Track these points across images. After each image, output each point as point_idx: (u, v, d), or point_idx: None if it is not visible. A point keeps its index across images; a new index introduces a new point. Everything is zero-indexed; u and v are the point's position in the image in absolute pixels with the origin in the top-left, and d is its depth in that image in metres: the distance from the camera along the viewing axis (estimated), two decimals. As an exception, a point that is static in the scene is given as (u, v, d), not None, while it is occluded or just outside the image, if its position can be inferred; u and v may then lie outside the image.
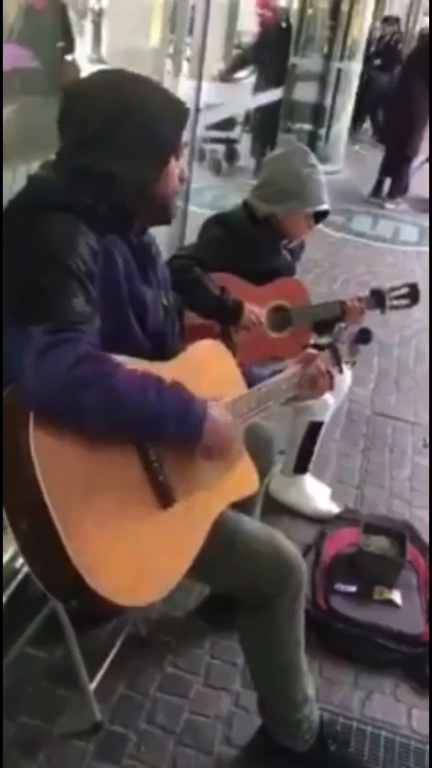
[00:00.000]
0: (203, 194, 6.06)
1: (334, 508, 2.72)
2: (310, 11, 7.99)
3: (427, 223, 6.59)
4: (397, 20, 10.77)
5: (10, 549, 1.92)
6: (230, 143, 7.70)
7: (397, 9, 14.53)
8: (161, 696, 1.94)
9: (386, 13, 12.31)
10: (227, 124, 7.19)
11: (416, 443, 3.34)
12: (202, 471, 1.46)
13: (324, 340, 1.94)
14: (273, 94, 6.74)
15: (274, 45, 7.38)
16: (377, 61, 9.55)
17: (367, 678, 2.09)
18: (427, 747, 1.90)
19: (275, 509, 2.59)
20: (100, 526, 1.22)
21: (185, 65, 3.44)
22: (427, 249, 5.93)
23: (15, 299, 1.25)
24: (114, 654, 1.92)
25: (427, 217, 6.69)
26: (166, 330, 1.54)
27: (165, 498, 1.35)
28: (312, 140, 7.75)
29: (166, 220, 1.52)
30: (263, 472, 1.79)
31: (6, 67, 2.46)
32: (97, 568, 1.18)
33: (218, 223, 2.39)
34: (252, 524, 1.64)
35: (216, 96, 5.03)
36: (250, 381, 1.64)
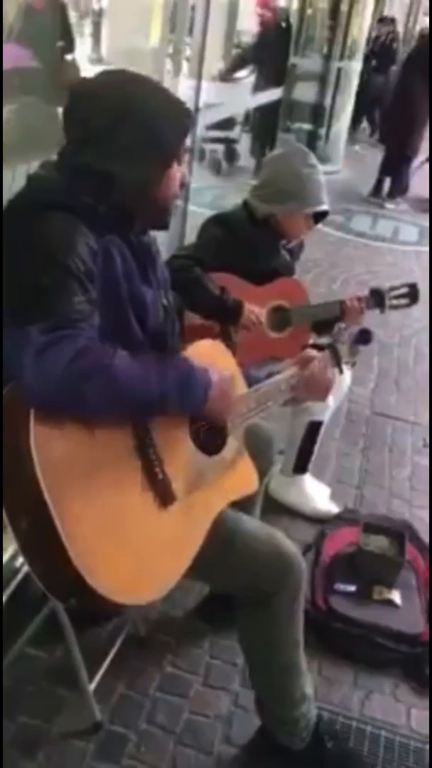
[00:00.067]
0: (203, 194, 6.06)
1: (333, 508, 2.72)
2: (309, 11, 7.99)
3: (426, 223, 6.59)
4: (392, 20, 10.77)
5: (10, 548, 1.92)
6: (230, 143, 7.70)
7: (396, 9, 14.54)
8: (161, 696, 1.94)
9: (386, 12, 12.32)
10: (227, 123, 7.20)
11: (416, 443, 3.34)
12: (202, 470, 1.46)
13: (324, 340, 1.94)
14: (273, 94, 6.74)
15: (273, 45, 7.38)
16: (373, 62, 9.55)
17: (366, 678, 2.09)
18: (427, 747, 1.91)
19: (275, 509, 2.60)
20: (100, 525, 1.22)
21: (185, 65, 3.44)
22: (426, 249, 5.93)
23: (14, 299, 1.25)
24: (114, 654, 1.92)
25: (426, 216, 6.69)
26: (166, 330, 1.54)
27: (165, 497, 1.35)
28: (312, 140, 7.75)
29: (164, 225, 1.52)
30: (263, 472, 1.80)
31: (6, 66, 2.46)
32: (96, 567, 1.18)
33: (218, 223, 2.39)
34: (251, 523, 1.64)
35: (216, 96, 5.03)
36: (247, 383, 1.64)
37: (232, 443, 1.56)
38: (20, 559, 1.94)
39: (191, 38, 3.35)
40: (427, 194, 6.90)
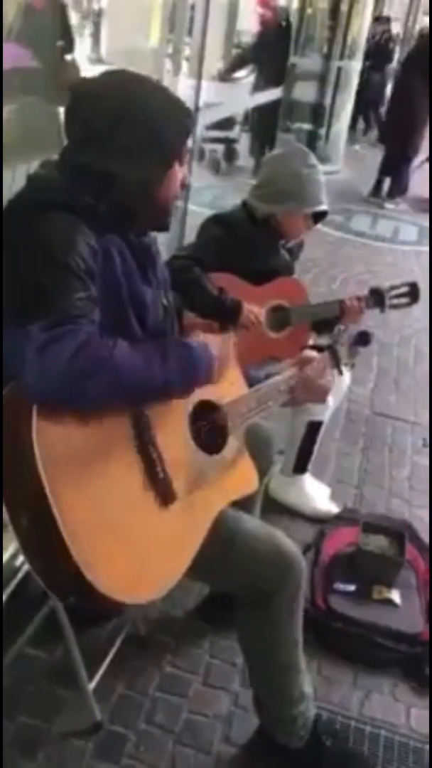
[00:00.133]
0: (202, 194, 6.07)
1: (333, 508, 2.72)
2: (309, 11, 7.99)
3: (426, 223, 6.59)
4: (387, 19, 10.80)
5: (10, 547, 1.92)
6: (229, 143, 7.70)
7: (396, 8, 14.55)
8: (160, 695, 1.94)
9: (386, 12, 12.34)
10: (226, 123, 7.20)
11: (416, 443, 3.34)
12: (202, 469, 1.47)
13: (323, 341, 1.94)
14: (272, 94, 6.74)
15: (273, 44, 7.38)
16: (368, 62, 9.57)
17: (365, 677, 2.09)
18: (427, 746, 1.91)
19: (275, 509, 2.60)
20: (101, 523, 1.23)
21: (184, 64, 3.44)
22: (426, 249, 5.93)
23: (15, 298, 1.25)
24: (113, 654, 1.92)
25: (426, 216, 6.69)
26: (165, 329, 1.54)
27: (166, 496, 1.35)
28: (311, 140, 7.75)
29: (164, 226, 1.52)
30: (263, 472, 1.80)
31: (5, 66, 2.46)
32: (97, 565, 1.19)
33: (217, 223, 2.39)
34: (251, 522, 1.65)
35: (215, 95, 5.03)
36: (247, 383, 1.65)
37: (233, 443, 1.56)
38: (20, 559, 1.94)
39: (191, 38, 3.35)
40: (426, 194, 6.90)
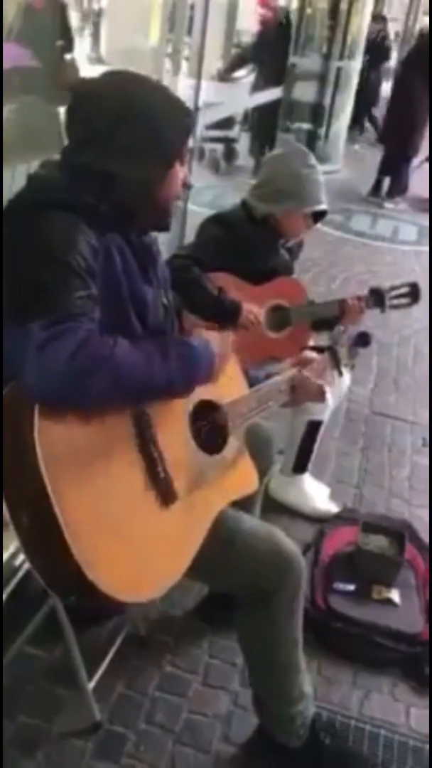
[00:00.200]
0: (202, 193, 6.07)
1: (333, 508, 2.72)
2: (309, 10, 7.98)
3: (426, 223, 6.59)
4: (383, 18, 10.82)
5: (11, 546, 1.92)
6: (229, 142, 7.70)
7: (396, 8, 14.55)
8: (160, 695, 1.94)
9: (386, 12, 12.35)
10: (226, 123, 7.20)
11: (415, 442, 3.34)
12: (203, 469, 1.47)
13: (323, 341, 1.95)
14: (272, 94, 6.74)
15: (273, 44, 7.38)
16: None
17: (365, 677, 2.09)
18: (426, 746, 1.91)
19: (274, 509, 2.60)
20: (102, 522, 1.23)
21: (184, 64, 3.44)
22: (426, 248, 5.93)
23: (15, 297, 1.25)
24: (113, 653, 1.93)
25: (426, 216, 6.69)
26: (166, 329, 1.54)
27: (166, 495, 1.35)
28: (311, 139, 7.75)
29: (165, 226, 1.52)
30: (263, 472, 1.80)
31: (5, 66, 2.46)
32: (97, 563, 1.19)
33: (216, 222, 2.39)
34: (251, 522, 1.65)
35: (215, 95, 5.03)
36: (247, 383, 1.65)
37: (233, 443, 1.56)
38: (20, 558, 1.94)
39: (190, 38, 3.35)
40: (426, 194, 6.90)
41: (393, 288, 2.52)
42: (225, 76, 8.07)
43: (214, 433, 1.55)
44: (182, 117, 1.43)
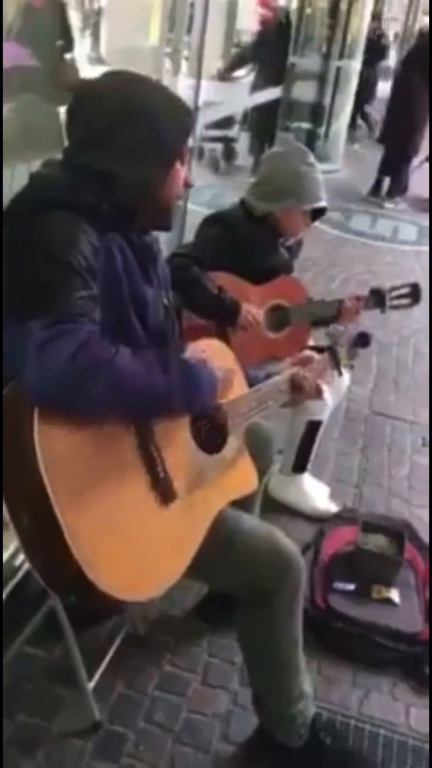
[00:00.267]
0: (201, 193, 6.06)
1: (332, 507, 2.72)
2: (309, 10, 7.98)
3: (426, 223, 6.59)
4: (379, 17, 10.84)
5: (10, 546, 1.92)
6: (228, 142, 7.70)
7: (396, 8, 14.55)
8: (160, 695, 1.94)
9: (386, 11, 12.37)
10: (225, 122, 7.20)
11: (415, 442, 3.35)
12: (202, 469, 1.47)
13: (323, 342, 1.95)
14: (272, 93, 6.74)
15: (273, 44, 7.38)
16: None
17: (365, 676, 2.09)
18: (426, 746, 1.91)
19: (274, 508, 2.60)
20: (102, 521, 1.23)
21: (184, 64, 3.44)
22: (425, 248, 5.93)
23: (16, 296, 1.24)
24: (113, 653, 1.93)
25: (426, 216, 6.70)
26: (166, 329, 1.54)
27: (166, 495, 1.35)
28: (311, 139, 7.75)
29: (166, 226, 1.52)
30: (262, 471, 1.80)
31: (5, 65, 2.46)
32: (97, 563, 1.19)
33: (215, 222, 2.39)
34: (251, 521, 1.65)
35: (215, 95, 5.03)
36: (247, 383, 1.65)
37: (233, 442, 1.56)
38: (19, 558, 1.94)
39: (190, 37, 3.35)
40: (426, 194, 6.91)
41: (394, 288, 2.52)
42: (225, 75, 8.06)
43: (214, 433, 1.54)
44: (182, 116, 1.43)
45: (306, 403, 2.30)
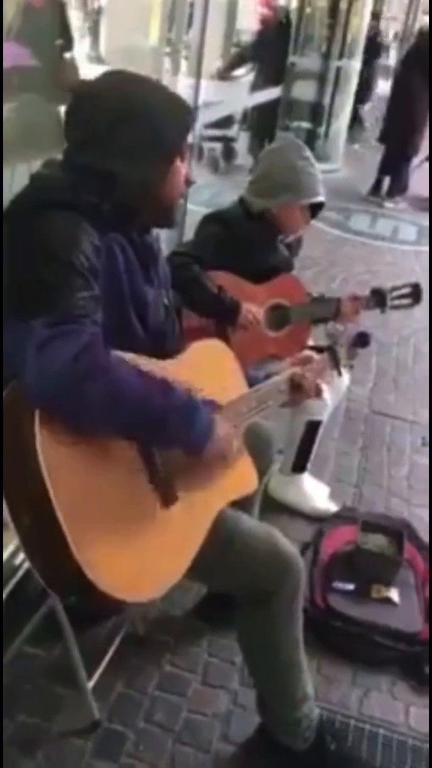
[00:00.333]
0: (201, 192, 6.06)
1: (332, 507, 2.72)
2: (308, 9, 7.97)
3: (425, 222, 6.59)
4: (377, 16, 10.83)
5: (10, 546, 1.92)
6: (228, 141, 7.70)
7: (396, 8, 14.55)
8: (159, 694, 1.94)
9: (386, 11, 12.36)
10: (225, 122, 7.19)
11: (415, 442, 3.35)
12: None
13: (323, 342, 1.95)
14: (271, 93, 6.74)
15: (273, 43, 7.37)
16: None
17: (365, 676, 2.10)
18: (426, 745, 1.91)
19: (274, 508, 2.60)
20: (102, 522, 1.23)
21: (184, 63, 3.44)
22: (425, 248, 5.93)
23: (17, 296, 1.24)
24: (112, 652, 1.93)
25: (426, 215, 6.69)
26: (166, 329, 1.54)
27: (166, 495, 1.35)
28: (311, 139, 7.74)
29: (169, 223, 1.52)
30: (262, 471, 1.80)
31: (5, 65, 2.46)
32: (98, 563, 1.19)
33: (214, 220, 2.39)
34: (250, 522, 1.65)
35: (214, 94, 5.02)
36: (247, 383, 1.65)
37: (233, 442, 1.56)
38: (19, 558, 1.94)
39: (190, 36, 3.35)
40: (426, 193, 6.90)
41: (395, 288, 2.51)
42: (224, 75, 8.04)
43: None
44: (181, 114, 1.43)
45: (306, 403, 2.29)
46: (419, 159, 7.54)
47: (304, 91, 7.82)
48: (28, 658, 1.94)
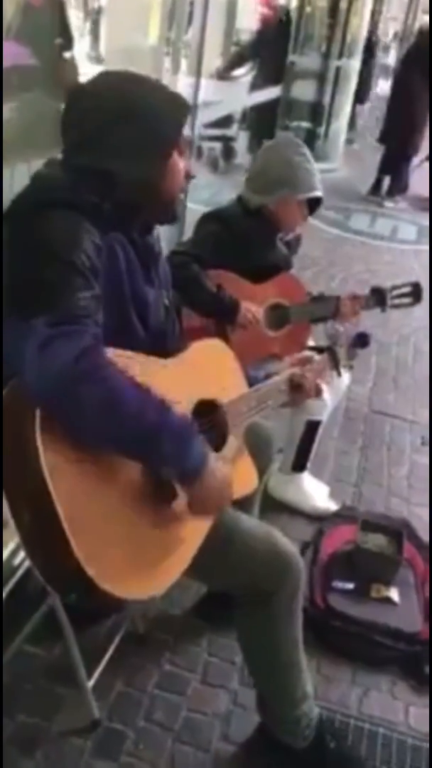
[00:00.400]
0: (200, 191, 6.05)
1: (332, 506, 2.72)
2: (308, 9, 7.97)
3: (425, 222, 6.59)
4: (373, 15, 10.82)
5: (10, 544, 1.92)
6: (227, 141, 7.69)
7: (395, 7, 14.55)
8: (159, 693, 1.94)
9: (386, 10, 12.35)
10: (224, 121, 7.19)
11: (414, 441, 3.35)
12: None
13: (323, 343, 1.95)
14: (271, 92, 6.73)
15: (272, 42, 7.37)
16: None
17: (364, 675, 2.10)
18: (426, 745, 1.91)
19: (274, 507, 2.60)
20: (103, 520, 1.23)
21: (183, 62, 3.43)
22: (425, 247, 5.93)
23: (18, 296, 1.24)
24: (112, 651, 1.93)
25: (425, 215, 6.69)
26: (166, 329, 1.54)
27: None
28: (310, 138, 7.73)
29: (171, 219, 1.51)
30: (262, 470, 1.80)
31: (5, 64, 2.46)
32: (98, 561, 1.19)
33: (213, 219, 2.39)
34: (249, 522, 1.65)
35: (214, 93, 5.02)
36: (247, 383, 1.65)
37: (233, 442, 1.56)
38: (19, 557, 1.94)
39: (189, 35, 3.35)
40: (426, 193, 6.90)
41: (395, 287, 2.52)
42: (224, 74, 8.03)
43: (214, 433, 1.54)
44: (175, 107, 1.42)
45: (305, 403, 2.29)
46: (419, 159, 7.53)
47: (303, 90, 7.81)
48: (28, 657, 1.94)
